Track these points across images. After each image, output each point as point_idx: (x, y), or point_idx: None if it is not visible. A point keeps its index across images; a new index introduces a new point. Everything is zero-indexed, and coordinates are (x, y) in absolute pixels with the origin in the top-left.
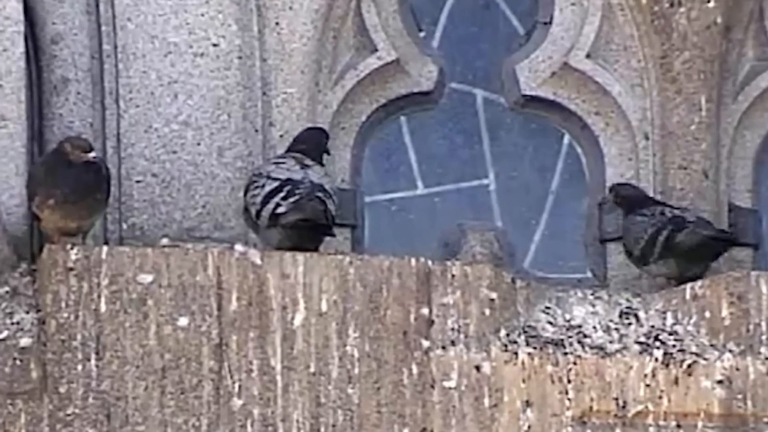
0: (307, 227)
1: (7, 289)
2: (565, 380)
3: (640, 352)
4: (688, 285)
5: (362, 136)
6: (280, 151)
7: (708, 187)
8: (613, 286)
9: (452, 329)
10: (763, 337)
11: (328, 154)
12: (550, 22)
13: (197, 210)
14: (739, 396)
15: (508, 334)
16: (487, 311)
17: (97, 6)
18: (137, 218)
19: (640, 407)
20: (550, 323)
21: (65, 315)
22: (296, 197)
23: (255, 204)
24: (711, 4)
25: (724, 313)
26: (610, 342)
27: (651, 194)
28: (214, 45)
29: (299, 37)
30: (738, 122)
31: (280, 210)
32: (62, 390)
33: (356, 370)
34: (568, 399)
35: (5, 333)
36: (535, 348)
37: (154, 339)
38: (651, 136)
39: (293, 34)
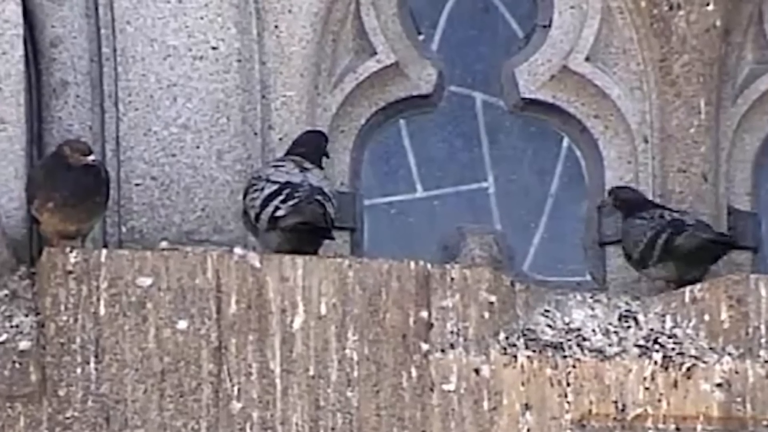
0: (306, 230)
1: (6, 292)
2: (564, 383)
3: (640, 355)
4: (688, 288)
5: (361, 139)
6: (279, 154)
7: (707, 190)
8: (612, 289)
9: (451, 332)
10: (762, 340)
11: (328, 157)
12: (550, 25)
13: (196, 213)
14: (738, 399)
15: (507, 337)
16: (487, 314)
17: (97, 9)
18: (136, 221)
19: (639, 410)
20: (550, 326)
21: (64, 318)
22: (295, 200)
23: (254, 207)
24: (710, 7)
25: (724, 316)
26: (610, 345)
27: (650, 197)
28: (214, 48)
29: (298, 40)
30: (737, 125)
31: (280, 213)
32: (61, 393)
33: (355, 374)
34: (568, 402)
35: (4, 336)
36: (534, 351)
37: (153, 342)
38: (650, 139)
39: (292, 37)
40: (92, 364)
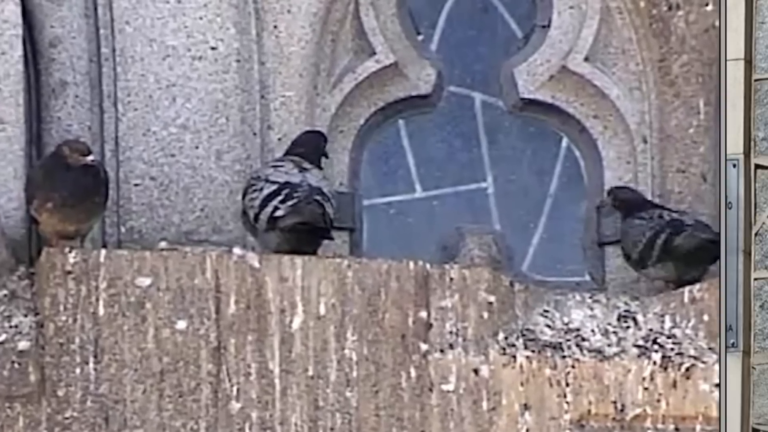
0: (305, 230)
1: (5, 292)
2: (563, 383)
3: (639, 356)
4: (687, 288)
5: (360, 139)
6: (278, 154)
7: (706, 191)
8: (611, 289)
9: (450, 332)
10: None
11: (327, 157)
12: (549, 26)
13: (195, 213)
14: None
15: (506, 338)
16: (486, 314)
17: (96, 9)
18: (135, 221)
19: (638, 410)
20: (549, 326)
21: (63, 318)
22: (294, 200)
23: (253, 207)
24: (709, 8)
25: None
26: (609, 345)
27: (649, 197)
28: (213, 48)
29: (297, 40)
30: None
31: (279, 213)
32: (60, 393)
33: (354, 374)
34: (567, 402)
35: (3, 336)
36: (533, 351)
37: (152, 342)
38: (649, 140)
39: (291, 37)
40: (91, 365)
